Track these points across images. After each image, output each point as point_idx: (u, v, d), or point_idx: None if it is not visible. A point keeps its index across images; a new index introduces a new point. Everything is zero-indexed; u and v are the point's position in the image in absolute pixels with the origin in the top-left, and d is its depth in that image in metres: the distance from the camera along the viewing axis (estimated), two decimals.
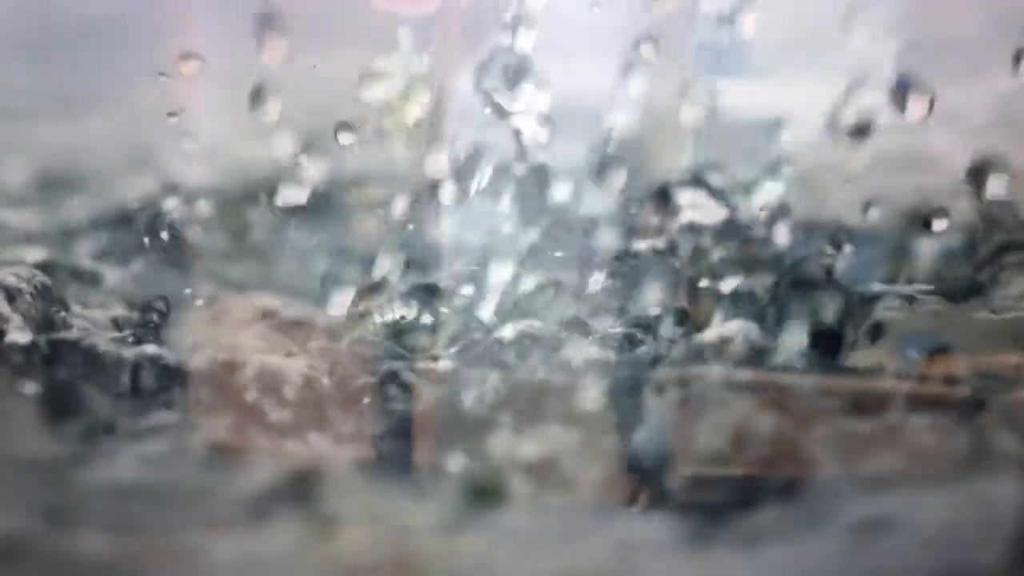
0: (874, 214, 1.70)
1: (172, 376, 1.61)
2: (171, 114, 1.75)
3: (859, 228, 1.71)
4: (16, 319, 1.60)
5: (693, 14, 1.61)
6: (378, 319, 1.68)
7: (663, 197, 1.66)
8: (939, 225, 1.69)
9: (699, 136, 1.65)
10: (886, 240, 1.73)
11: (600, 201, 1.69)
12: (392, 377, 1.68)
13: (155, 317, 1.68)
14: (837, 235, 1.69)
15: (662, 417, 1.64)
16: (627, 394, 1.63)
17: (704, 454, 1.64)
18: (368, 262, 1.71)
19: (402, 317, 1.69)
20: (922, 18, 1.61)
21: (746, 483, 1.61)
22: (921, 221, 1.70)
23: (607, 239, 1.69)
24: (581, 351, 1.66)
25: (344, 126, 1.64)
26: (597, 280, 1.70)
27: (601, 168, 1.65)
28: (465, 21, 1.61)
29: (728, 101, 1.65)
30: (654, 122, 1.63)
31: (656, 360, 1.66)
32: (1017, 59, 1.63)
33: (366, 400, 1.68)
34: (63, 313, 1.68)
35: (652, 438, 1.64)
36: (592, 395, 1.63)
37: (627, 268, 1.69)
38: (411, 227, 1.68)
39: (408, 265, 1.68)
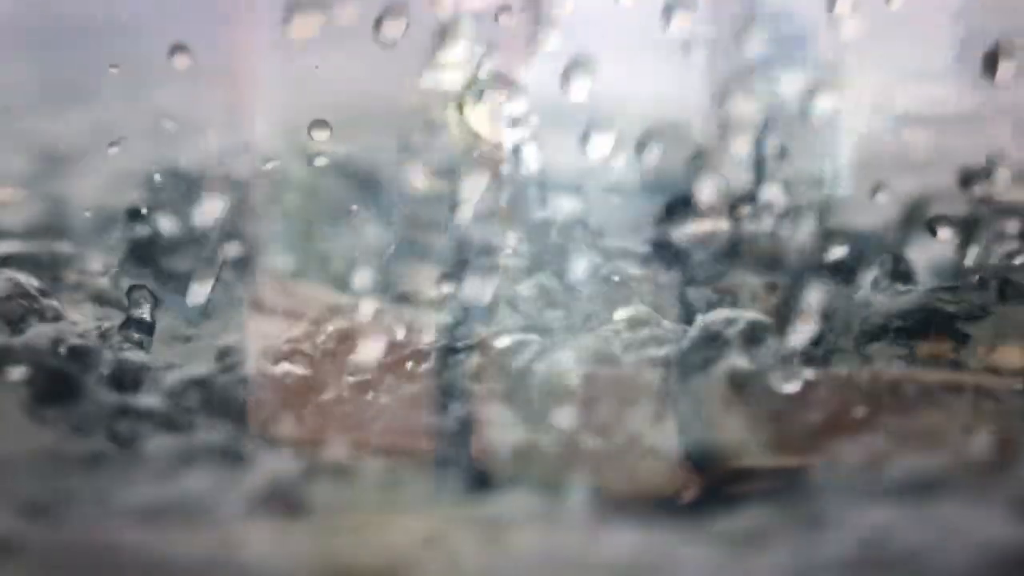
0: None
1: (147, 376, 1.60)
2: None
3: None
4: None
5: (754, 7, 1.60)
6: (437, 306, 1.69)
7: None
8: (944, 233, 1.67)
9: (759, 128, 1.65)
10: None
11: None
12: (449, 369, 1.69)
13: (141, 313, 1.67)
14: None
15: (716, 406, 1.65)
16: (685, 383, 1.64)
17: (758, 445, 1.65)
18: (425, 248, 1.71)
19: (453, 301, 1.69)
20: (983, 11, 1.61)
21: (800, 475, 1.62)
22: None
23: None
24: (633, 342, 1.66)
25: (318, 124, 1.64)
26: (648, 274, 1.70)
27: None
28: (526, 13, 1.61)
29: (789, 93, 1.65)
30: (712, 116, 1.63)
31: (712, 350, 1.66)
32: None
33: (420, 390, 1.69)
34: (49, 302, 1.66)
35: (707, 428, 1.65)
36: (648, 385, 1.64)
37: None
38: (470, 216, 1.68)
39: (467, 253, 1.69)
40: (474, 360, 1.68)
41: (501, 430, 1.69)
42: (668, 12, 1.60)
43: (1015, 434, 1.53)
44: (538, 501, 1.68)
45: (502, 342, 1.68)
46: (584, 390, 1.67)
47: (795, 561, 1.43)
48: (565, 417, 1.66)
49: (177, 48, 1.62)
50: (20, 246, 1.84)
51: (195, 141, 1.77)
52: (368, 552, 1.61)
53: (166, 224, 1.77)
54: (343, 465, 1.67)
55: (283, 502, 1.63)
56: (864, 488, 1.52)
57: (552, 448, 1.67)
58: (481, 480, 1.69)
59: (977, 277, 1.67)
